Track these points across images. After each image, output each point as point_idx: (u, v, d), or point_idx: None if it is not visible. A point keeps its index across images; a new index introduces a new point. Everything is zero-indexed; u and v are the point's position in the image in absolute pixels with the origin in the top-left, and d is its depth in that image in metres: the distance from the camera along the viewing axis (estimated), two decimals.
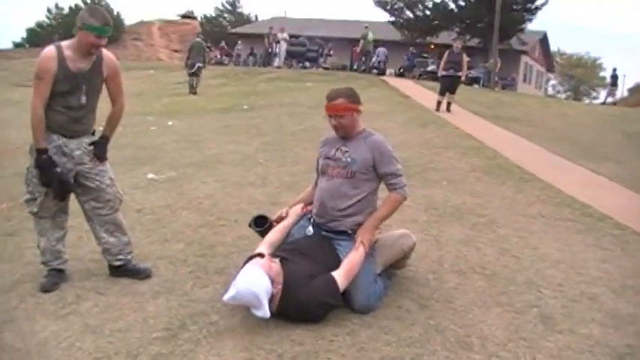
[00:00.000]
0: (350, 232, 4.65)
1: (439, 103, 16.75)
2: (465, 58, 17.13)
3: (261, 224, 4.97)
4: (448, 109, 16.59)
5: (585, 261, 5.66)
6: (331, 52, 36.55)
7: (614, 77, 35.22)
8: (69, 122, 4.63)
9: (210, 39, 39.03)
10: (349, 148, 4.70)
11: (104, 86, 4.83)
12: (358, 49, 32.63)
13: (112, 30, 4.67)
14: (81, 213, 5.01)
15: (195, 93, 21.71)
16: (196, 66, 21.93)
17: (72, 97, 4.57)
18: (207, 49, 28.06)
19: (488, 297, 4.78)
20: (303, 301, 4.13)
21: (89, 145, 4.77)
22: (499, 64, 32.36)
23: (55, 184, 4.58)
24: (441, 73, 17.16)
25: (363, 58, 32.72)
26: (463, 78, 17.23)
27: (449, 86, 16.79)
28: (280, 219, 5.04)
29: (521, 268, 5.42)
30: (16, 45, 57.72)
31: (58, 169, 4.58)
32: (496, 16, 30.13)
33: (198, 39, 23.94)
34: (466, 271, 5.31)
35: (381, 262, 4.68)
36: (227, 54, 42.34)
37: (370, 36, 31.53)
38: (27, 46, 55.22)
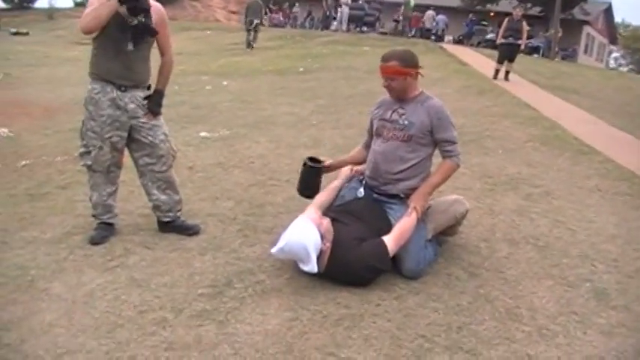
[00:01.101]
0: (402, 195, 4.58)
1: (497, 71, 16.36)
2: (525, 27, 16.51)
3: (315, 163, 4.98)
4: (506, 78, 16.20)
5: None
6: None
7: None
8: (122, 69, 4.59)
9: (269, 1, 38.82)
10: (406, 111, 4.60)
11: (154, 39, 4.77)
12: (400, 15, 32.19)
13: None
14: (133, 168, 5.02)
15: (252, 47, 23.29)
16: (254, 22, 23.54)
17: (121, 43, 4.52)
18: (267, 9, 30.84)
19: (540, 268, 4.68)
20: (352, 264, 4.09)
21: (143, 100, 4.75)
22: (560, 34, 31.72)
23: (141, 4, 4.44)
24: (499, 40, 16.60)
25: (403, 24, 32.41)
26: (523, 47, 16.78)
27: (507, 54, 16.31)
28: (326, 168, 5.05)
29: (575, 240, 5.29)
30: (77, 4, 58.20)
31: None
32: None
33: None
34: (518, 241, 5.20)
35: (433, 227, 4.60)
36: (287, 16, 42.18)
37: (412, 2, 31.17)
38: (87, 4, 55.59)
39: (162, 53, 4.90)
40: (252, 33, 23.88)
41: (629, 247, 5.21)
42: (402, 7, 31.59)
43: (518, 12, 16.84)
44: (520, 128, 9.77)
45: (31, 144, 8.10)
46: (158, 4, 4.75)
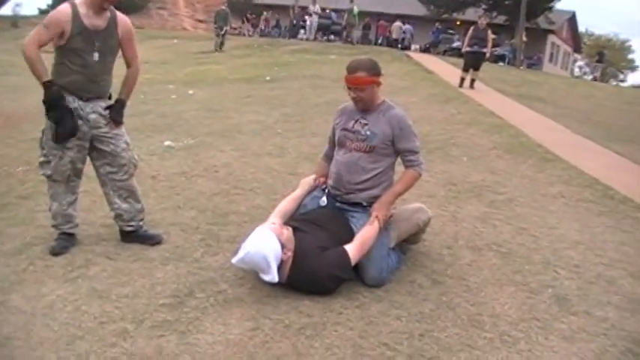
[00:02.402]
0: (365, 204, 4.59)
1: (462, 79, 16.51)
2: (490, 35, 16.73)
3: None
4: (472, 86, 16.30)
5: (604, 243, 5.56)
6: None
7: None
8: (85, 81, 4.57)
9: (235, 10, 38.76)
10: (369, 121, 4.61)
11: (119, 50, 4.76)
12: (343, 23, 32.37)
13: None
14: (95, 177, 4.99)
15: (220, 50, 26.34)
16: (224, 29, 26.92)
17: (86, 55, 4.50)
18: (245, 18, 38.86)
19: (502, 275, 4.71)
20: (314, 272, 4.08)
21: (105, 109, 4.72)
22: (525, 39, 32.08)
23: (60, 119, 4.49)
24: (465, 49, 16.85)
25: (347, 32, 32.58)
26: (488, 55, 16.95)
27: (473, 63, 16.47)
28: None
29: (538, 247, 5.33)
30: (42, 12, 57.74)
31: (68, 105, 4.52)
32: None
33: (224, 7, 28.70)
34: (481, 248, 5.23)
35: (395, 235, 4.62)
36: (254, 25, 42.05)
37: (355, 10, 31.31)
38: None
39: (129, 65, 4.89)
40: (221, 39, 26.97)
41: (591, 253, 5.26)
42: (346, 15, 31.70)
43: (483, 21, 16.99)
44: (485, 136, 9.84)
45: None
46: (124, 16, 4.75)
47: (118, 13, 4.70)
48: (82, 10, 4.45)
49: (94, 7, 4.47)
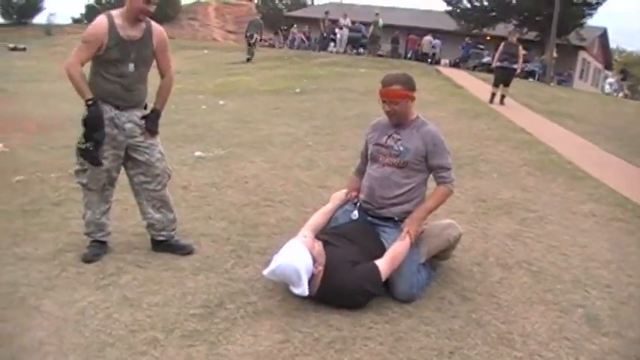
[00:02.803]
0: (397, 219, 4.59)
1: (493, 94, 16.35)
2: (521, 51, 16.56)
3: None
4: (502, 102, 16.15)
5: (636, 263, 5.51)
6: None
7: None
8: (121, 91, 4.62)
9: (266, 22, 38.90)
10: (402, 137, 4.62)
11: (154, 59, 4.81)
12: (368, 34, 32.37)
13: (158, 3, 4.62)
14: (127, 186, 5.03)
15: (250, 60, 26.40)
16: (254, 37, 26.94)
17: (122, 65, 4.56)
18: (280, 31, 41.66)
19: (533, 293, 4.68)
20: (344, 287, 4.08)
21: (140, 119, 4.77)
22: (555, 55, 31.84)
23: (101, 140, 4.54)
24: (495, 64, 16.68)
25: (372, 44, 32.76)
26: (519, 70, 16.83)
27: (503, 78, 16.30)
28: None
29: (568, 266, 5.29)
30: (75, 21, 58.42)
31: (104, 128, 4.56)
32: (555, 9, 29.60)
33: (257, 17, 30.04)
34: (512, 265, 5.20)
35: (426, 251, 4.61)
36: (307, 37, 42.14)
37: (380, 22, 31.52)
38: (85, 22, 55.87)
39: (163, 75, 4.93)
40: (252, 48, 27.05)
41: (622, 273, 5.22)
42: (372, 27, 31.74)
43: (513, 36, 16.89)
44: (514, 152, 9.79)
45: (25, 160, 8.08)
46: (159, 27, 4.79)
47: (153, 24, 4.75)
48: (118, 21, 4.51)
49: (129, 18, 4.53)
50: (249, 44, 27.31)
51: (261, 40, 29.35)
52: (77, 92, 4.50)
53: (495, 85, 16.46)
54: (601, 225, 6.55)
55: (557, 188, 7.87)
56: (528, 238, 5.92)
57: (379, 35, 32.33)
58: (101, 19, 4.51)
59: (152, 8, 4.54)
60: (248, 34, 27.40)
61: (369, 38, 32.50)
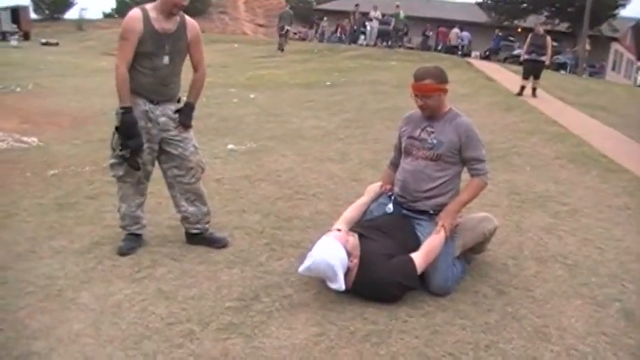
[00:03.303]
0: (432, 212, 4.57)
1: (522, 87, 16.03)
2: (549, 42, 16.17)
3: None
4: (534, 95, 15.89)
5: None
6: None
7: None
8: (155, 84, 4.65)
9: (297, 14, 38.99)
10: (435, 129, 4.59)
11: (187, 53, 4.84)
12: (391, 27, 32.23)
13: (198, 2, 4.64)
14: (161, 179, 5.05)
15: (282, 50, 28.05)
16: (285, 28, 28.67)
17: (156, 58, 4.59)
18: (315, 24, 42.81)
19: (568, 287, 4.63)
20: (379, 280, 4.07)
21: (174, 113, 4.79)
22: (589, 48, 31.52)
23: (138, 147, 4.59)
24: (523, 56, 16.44)
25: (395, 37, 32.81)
26: (547, 62, 16.52)
27: (532, 71, 15.99)
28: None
29: (604, 259, 5.23)
30: (106, 15, 58.95)
31: (141, 136, 4.61)
32: (587, 0, 29.28)
33: (287, 8, 32.20)
34: (547, 259, 5.15)
35: (461, 244, 4.58)
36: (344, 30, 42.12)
37: (402, 14, 31.57)
38: (116, 16, 56.33)
39: (196, 69, 4.95)
40: (283, 39, 28.93)
41: None
42: (393, 20, 31.64)
43: (540, 27, 16.74)
44: (547, 145, 9.72)
45: (60, 154, 8.17)
46: (192, 20, 4.82)
47: (187, 17, 4.77)
48: (153, 14, 4.54)
49: (164, 11, 4.55)
50: (280, 35, 29.01)
51: (291, 30, 30.61)
52: (118, 94, 4.54)
53: (525, 77, 16.16)
54: (636, 218, 6.47)
55: (590, 181, 7.80)
56: (562, 231, 5.86)
57: (401, 28, 32.22)
58: (135, 12, 4.54)
59: (186, 2, 4.56)
60: (279, 26, 29.07)
61: (392, 31, 32.38)
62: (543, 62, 16.04)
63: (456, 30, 35.81)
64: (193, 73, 4.98)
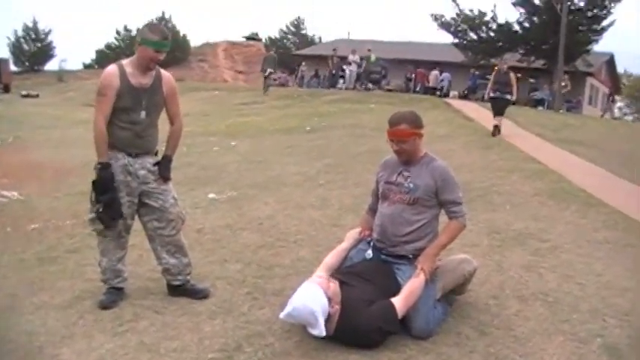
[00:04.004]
0: (410, 256, 4.60)
1: (495, 126, 15.47)
2: (514, 78, 15.83)
3: None
4: (496, 133, 15.40)
5: None
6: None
7: None
8: (133, 138, 4.71)
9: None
10: (411, 174, 4.66)
11: (164, 106, 4.91)
12: (362, 70, 32.58)
13: (172, 46, 4.74)
14: (142, 231, 5.06)
15: (267, 91, 29.35)
16: (268, 71, 29.83)
17: (134, 113, 4.67)
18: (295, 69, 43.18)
19: (550, 325, 4.66)
20: (361, 326, 4.09)
21: (153, 166, 4.83)
22: (569, 88, 31.93)
23: (110, 202, 4.63)
24: (488, 95, 16.06)
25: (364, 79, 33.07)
26: (513, 99, 16.10)
27: (498, 108, 15.66)
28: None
29: (585, 295, 5.26)
30: (86, 66, 59.08)
31: (115, 193, 4.65)
32: (561, 37, 29.74)
33: (272, 52, 33.71)
34: (528, 297, 5.18)
35: (441, 287, 4.60)
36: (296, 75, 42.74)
37: (373, 57, 31.83)
38: (96, 67, 56.51)
39: (172, 121, 5.02)
40: (267, 81, 30.15)
41: (639, 300, 5.18)
42: (364, 62, 31.96)
43: (503, 64, 16.48)
44: (527, 182, 9.79)
45: (41, 207, 8.17)
46: (167, 74, 4.90)
47: (162, 71, 4.86)
48: (129, 69, 4.62)
49: (140, 66, 4.64)
50: (265, 78, 30.13)
51: (274, 72, 31.68)
52: (96, 150, 4.62)
53: (495, 115, 15.77)
54: (616, 252, 6.52)
55: (570, 216, 7.86)
56: (543, 268, 5.90)
57: (377, 70, 32.51)
58: (112, 68, 4.63)
59: (162, 57, 4.64)
60: (263, 69, 30.21)
61: (362, 73, 32.65)
62: (508, 100, 15.75)
63: (435, 72, 36.23)
64: (170, 126, 5.04)
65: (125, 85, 4.58)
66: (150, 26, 4.73)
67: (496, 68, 16.33)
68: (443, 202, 4.63)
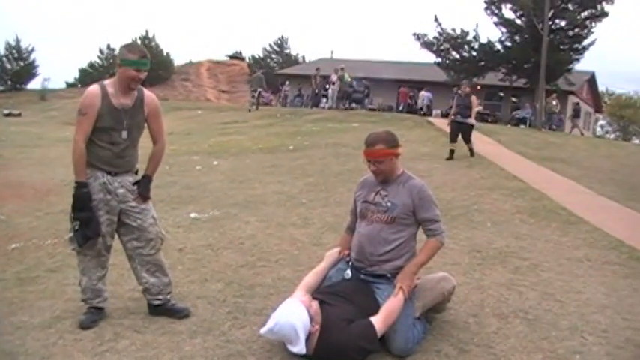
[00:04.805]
0: (389, 275, 4.61)
1: (451, 151, 15.01)
2: (475, 101, 15.39)
3: None
4: (471, 154, 15.22)
5: (632, 306, 5.52)
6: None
7: None
8: (112, 157, 4.72)
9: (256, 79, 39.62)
10: (389, 193, 4.70)
11: (145, 125, 4.92)
12: (337, 89, 32.68)
13: (154, 65, 4.73)
14: (122, 250, 5.05)
15: (257, 108, 31.53)
16: (258, 90, 32.17)
17: (115, 133, 4.68)
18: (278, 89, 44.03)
19: (529, 342, 4.68)
20: (341, 345, 4.09)
21: (132, 185, 4.84)
22: (558, 108, 32.38)
23: (87, 221, 4.63)
24: (450, 117, 15.62)
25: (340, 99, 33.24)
26: (473, 122, 15.55)
27: (458, 133, 15.07)
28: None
29: (564, 312, 5.30)
30: (69, 85, 59.02)
31: (92, 212, 4.66)
32: (543, 56, 29.97)
33: (259, 72, 34.52)
34: (507, 315, 5.21)
35: (421, 305, 4.63)
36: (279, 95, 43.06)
37: (346, 77, 31.93)
38: (79, 85, 56.44)
39: (155, 141, 5.02)
40: (254, 99, 32.43)
41: (618, 317, 5.23)
42: (338, 82, 32.05)
43: (465, 87, 15.95)
44: (508, 200, 9.88)
45: (22, 226, 8.14)
46: (150, 94, 4.92)
47: (145, 91, 4.88)
48: (111, 89, 4.64)
49: (122, 86, 4.65)
50: (253, 96, 32.67)
51: (263, 91, 33.93)
52: (74, 168, 4.64)
53: (451, 140, 15.18)
54: (596, 269, 6.58)
55: (550, 234, 7.93)
56: (523, 286, 5.94)
57: (346, 89, 32.59)
58: (94, 88, 4.64)
59: (143, 75, 4.65)
60: (252, 89, 33.02)
61: (338, 92, 32.70)
62: (469, 125, 15.23)
63: (424, 92, 36.57)
64: (153, 146, 5.04)
65: (106, 105, 4.59)
66: (128, 47, 4.75)
67: (458, 92, 16.03)
68: (421, 221, 4.67)
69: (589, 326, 5.01)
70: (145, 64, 4.67)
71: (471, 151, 15.31)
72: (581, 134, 34.52)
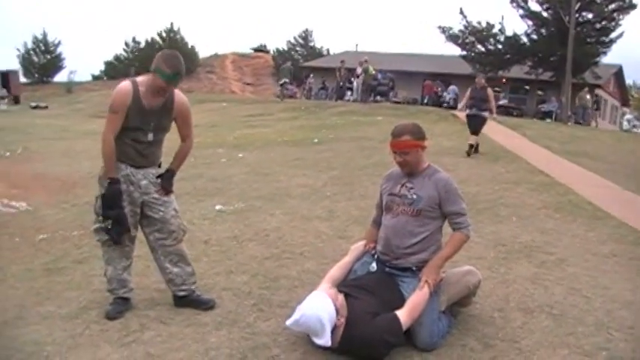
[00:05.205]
0: (414, 269, 4.60)
1: (471, 145, 14.38)
2: (491, 94, 15.01)
3: None
4: (473, 151, 14.43)
5: None
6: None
7: None
8: (136, 155, 4.75)
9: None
10: (414, 185, 4.68)
11: (173, 124, 4.94)
12: (361, 82, 32.53)
13: (181, 77, 4.68)
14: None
15: (282, 100, 33.18)
16: (284, 80, 33.77)
17: (141, 133, 4.70)
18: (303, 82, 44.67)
19: (555, 337, 4.64)
20: (366, 339, 4.09)
21: (155, 177, 4.87)
22: (591, 103, 32.07)
23: (118, 218, 4.66)
24: (465, 111, 15.37)
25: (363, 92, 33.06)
26: (494, 115, 15.55)
27: (472, 126, 14.71)
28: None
29: (590, 308, 5.24)
30: (95, 78, 59.39)
31: (124, 208, 4.69)
32: (569, 49, 29.73)
33: (288, 63, 37.02)
34: (533, 309, 5.17)
35: (446, 299, 4.60)
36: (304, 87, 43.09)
37: (370, 69, 31.70)
38: (105, 78, 56.79)
39: (183, 139, 5.06)
40: (282, 90, 34.33)
41: None
42: (362, 75, 31.86)
43: (480, 79, 15.47)
44: (533, 195, 9.80)
45: (48, 218, 8.21)
46: (181, 96, 4.92)
47: (177, 93, 4.86)
48: (142, 89, 4.63)
49: (152, 90, 4.63)
50: (281, 86, 34.42)
51: (288, 81, 35.32)
52: (104, 165, 4.67)
53: (472, 133, 14.76)
54: (622, 265, 6.50)
55: (577, 229, 7.85)
56: (549, 281, 5.89)
57: (370, 82, 32.46)
58: (126, 86, 4.62)
59: (171, 89, 4.69)
60: (280, 79, 34.70)
61: (362, 85, 32.61)
62: (484, 118, 14.88)
63: (453, 87, 36.31)
64: (180, 143, 5.07)
65: (136, 104, 4.60)
66: (166, 57, 4.65)
67: (472, 84, 15.44)
68: (447, 214, 4.65)
69: (616, 322, 4.94)
70: (176, 80, 4.64)
71: (471, 146, 14.42)
72: (596, 125, 34.22)
